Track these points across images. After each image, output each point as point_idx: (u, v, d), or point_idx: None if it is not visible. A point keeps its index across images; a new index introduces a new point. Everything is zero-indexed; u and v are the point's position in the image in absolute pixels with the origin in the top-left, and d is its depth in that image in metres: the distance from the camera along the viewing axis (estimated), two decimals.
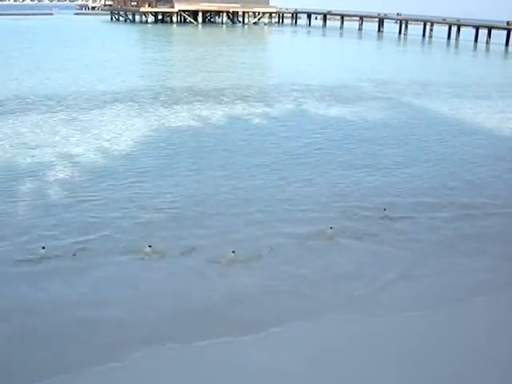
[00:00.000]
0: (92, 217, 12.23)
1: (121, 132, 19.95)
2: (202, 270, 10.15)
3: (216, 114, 23.82)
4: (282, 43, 70.20)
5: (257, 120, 23.06)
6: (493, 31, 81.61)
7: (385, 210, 12.97)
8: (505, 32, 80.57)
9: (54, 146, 17.66)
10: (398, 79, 37.66)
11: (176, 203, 13.27)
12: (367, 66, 47.42)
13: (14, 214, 12.24)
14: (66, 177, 14.91)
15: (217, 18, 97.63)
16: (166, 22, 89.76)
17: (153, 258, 10.43)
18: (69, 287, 9.47)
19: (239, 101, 26.92)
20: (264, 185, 14.86)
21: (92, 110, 23.67)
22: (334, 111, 25.63)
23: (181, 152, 17.73)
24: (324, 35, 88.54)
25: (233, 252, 10.34)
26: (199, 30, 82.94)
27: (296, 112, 25.13)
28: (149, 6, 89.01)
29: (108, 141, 18.63)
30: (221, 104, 25.95)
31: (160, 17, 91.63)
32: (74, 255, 10.42)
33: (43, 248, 10.37)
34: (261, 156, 17.61)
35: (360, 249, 11.27)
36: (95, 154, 17.04)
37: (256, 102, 26.94)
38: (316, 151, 18.54)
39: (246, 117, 23.61)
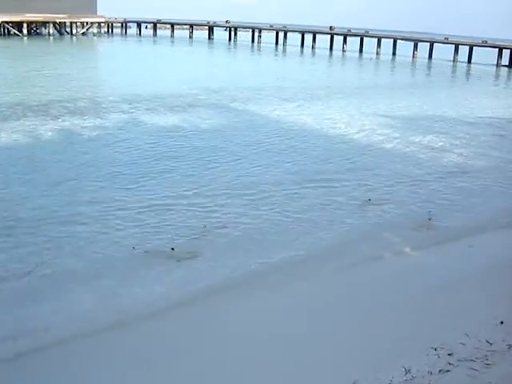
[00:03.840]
0: None
1: None
2: None
3: (44, 129, 23.09)
4: (112, 54, 69.02)
5: (87, 133, 22.76)
6: (317, 36, 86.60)
7: None
8: (328, 36, 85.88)
9: None
10: (229, 86, 38.83)
11: None
12: (199, 73, 48.33)
13: None
14: None
15: (43, 29, 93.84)
16: None
17: None
18: None
19: (69, 114, 26.33)
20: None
21: None
22: (165, 120, 26.02)
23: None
24: (155, 44, 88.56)
25: None
26: (24, 42, 79.42)
27: (127, 123, 25.10)
28: None
29: None
30: (50, 119, 25.17)
31: None
32: None
33: None
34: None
35: None
36: None
37: (86, 114, 26.50)
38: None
39: (76, 131, 23.18)
